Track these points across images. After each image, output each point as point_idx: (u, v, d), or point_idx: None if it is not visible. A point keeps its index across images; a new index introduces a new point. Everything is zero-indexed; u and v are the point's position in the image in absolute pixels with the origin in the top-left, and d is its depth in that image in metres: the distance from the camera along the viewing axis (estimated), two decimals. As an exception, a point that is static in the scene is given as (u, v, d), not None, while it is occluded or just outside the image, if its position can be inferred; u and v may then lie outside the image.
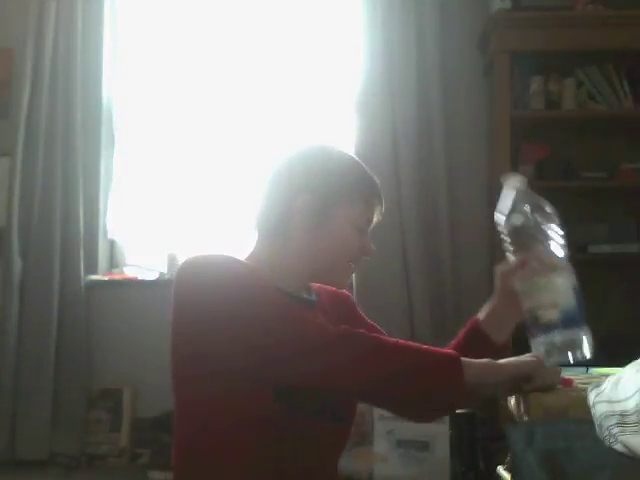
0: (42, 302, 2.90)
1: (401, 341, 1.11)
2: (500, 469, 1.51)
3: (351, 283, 2.88)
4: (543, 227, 1.23)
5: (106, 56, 3.06)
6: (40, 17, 2.99)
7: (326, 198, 1.18)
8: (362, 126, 2.89)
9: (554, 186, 2.77)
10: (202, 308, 1.08)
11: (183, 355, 1.13)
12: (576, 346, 1.12)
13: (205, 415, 1.12)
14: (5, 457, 2.82)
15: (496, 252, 2.77)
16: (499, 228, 1.25)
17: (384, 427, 2.52)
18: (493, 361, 1.13)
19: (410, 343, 1.13)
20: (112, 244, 3.18)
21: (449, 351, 1.13)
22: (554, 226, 1.24)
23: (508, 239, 1.25)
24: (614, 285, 2.61)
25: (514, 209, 1.23)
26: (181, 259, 3.04)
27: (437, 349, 1.13)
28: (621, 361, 1.08)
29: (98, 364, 2.97)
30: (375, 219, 1.25)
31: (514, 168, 2.78)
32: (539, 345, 1.19)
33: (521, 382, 1.12)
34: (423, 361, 1.08)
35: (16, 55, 3.07)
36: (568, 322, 1.16)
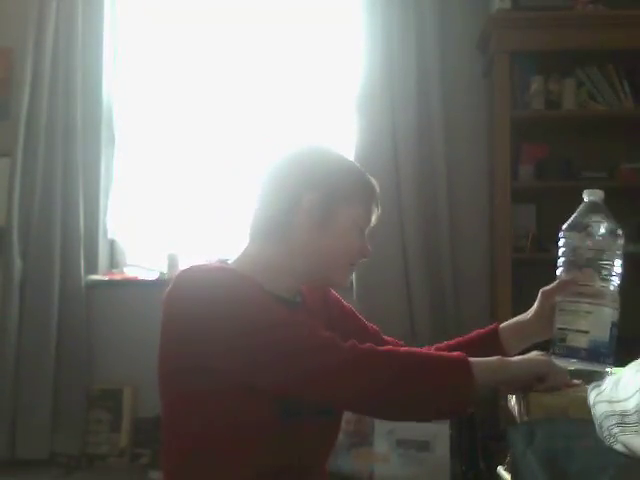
0: (42, 302, 2.90)
1: (400, 350, 1.12)
2: (500, 469, 1.50)
3: (351, 283, 2.88)
4: (602, 253, 1.19)
5: (106, 56, 3.06)
6: (40, 17, 2.99)
7: (332, 196, 1.17)
8: (362, 126, 2.89)
9: (554, 186, 2.77)
10: (194, 320, 1.07)
11: (174, 368, 1.13)
12: (592, 379, 1.07)
13: (198, 419, 1.11)
14: (5, 457, 2.83)
15: (496, 252, 2.77)
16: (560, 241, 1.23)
17: (384, 427, 2.52)
18: (503, 359, 1.13)
19: (414, 350, 1.14)
20: (112, 244, 3.18)
21: (456, 353, 1.11)
22: (615, 253, 1.19)
23: (563, 255, 1.22)
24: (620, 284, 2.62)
25: (575, 227, 1.20)
26: (181, 259, 3.04)
27: (444, 353, 1.16)
28: (621, 361, 1.08)
29: (98, 364, 2.97)
30: (373, 221, 1.25)
31: (514, 168, 2.79)
32: (557, 363, 1.18)
33: (533, 382, 1.10)
34: (428, 365, 1.09)
35: (16, 55, 3.07)
36: (594, 354, 1.15)
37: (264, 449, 1.11)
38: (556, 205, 2.75)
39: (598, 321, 1.17)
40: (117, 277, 3.08)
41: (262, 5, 3.14)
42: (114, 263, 3.18)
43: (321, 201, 1.17)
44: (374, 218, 1.25)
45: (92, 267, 3.02)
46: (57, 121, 2.98)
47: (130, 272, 3.09)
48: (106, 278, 3.05)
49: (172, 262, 2.95)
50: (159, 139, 3.18)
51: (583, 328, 1.16)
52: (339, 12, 3.02)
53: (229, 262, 1.22)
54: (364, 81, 2.90)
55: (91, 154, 3.03)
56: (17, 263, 2.93)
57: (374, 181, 1.24)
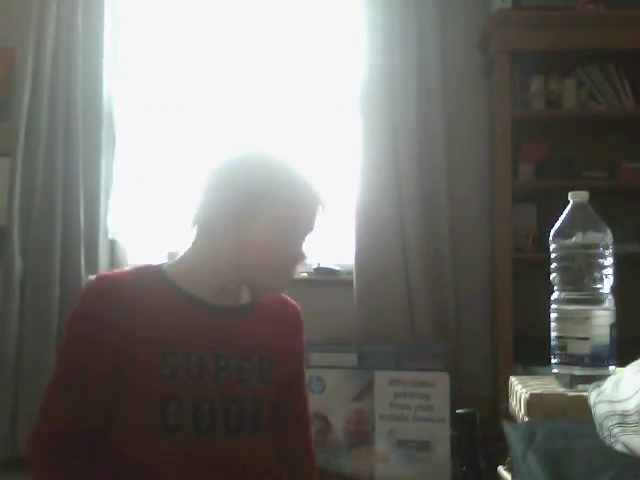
0: (42, 301, 2.91)
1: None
2: (501, 469, 1.51)
3: (351, 281, 2.89)
4: (592, 256, 1.18)
5: (107, 56, 3.06)
6: (41, 17, 2.99)
7: (251, 198, 1.13)
8: (363, 126, 2.89)
9: (554, 186, 2.77)
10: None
11: None
12: (595, 383, 1.08)
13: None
14: (6, 456, 2.83)
15: (496, 252, 2.77)
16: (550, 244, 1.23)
17: (385, 427, 2.52)
18: None
19: None
20: (113, 244, 3.18)
21: None
22: (605, 254, 1.19)
23: (554, 260, 1.22)
24: (615, 285, 2.62)
25: (562, 232, 1.20)
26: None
27: None
28: (621, 361, 1.08)
29: (99, 364, 2.97)
30: (312, 226, 1.18)
31: (514, 168, 2.79)
32: (560, 370, 1.18)
33: None
34: None
35: (17, 55, 3.07)
36: (597, 359, 1.15)
37: (166, 468, 1.09)
38: (556, 205, 2.72)
39: (596, 325, 1.17)
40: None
41: (263, 4, 3.14)
42: (114, 262, 3.18)
43: (241, 200, 1.13)
44: (313, 222, 1.18)
45: (92, 266, 3.02)
46: (57, 121, 2.98)
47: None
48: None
49: (172, 262, 2.94)
50: (159, 139, 3.18)
51: (583, 335, 1.16)
52: (340, 12, 3.02)
53: (169, 260, 1.22)
54: (365, 81, 2.90)
55: (91, 154, 3.03)
56: (17, 262, 2.93)
57: (315, 185, 1.17)
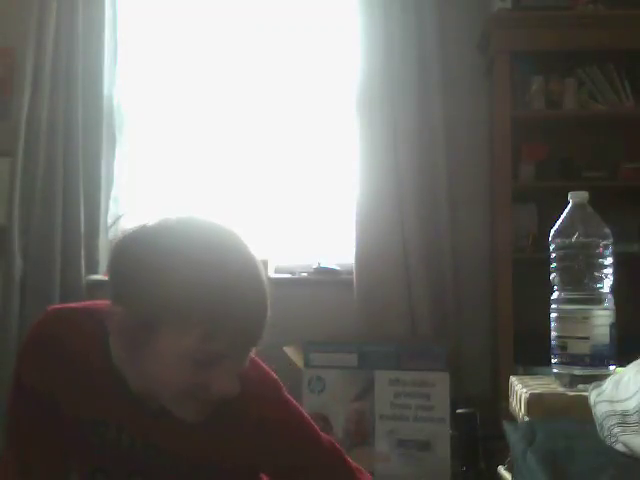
0: (43, 301, 2.90)
1: None
2: (501, 469, 1.51)
3: (351, 281, 2.89)
4: (592, 256, 1.18)
5: (107, 55, 3.06)
6: (41, 17, 2.99)
7: (145, 318, 0.86)
8: (363, 126, 2.89)
9: (554, 186, 2.77)
10: None
11: None
12: (596, 382, 1.08)
13: None
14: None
15: (496, 252, 2.77)
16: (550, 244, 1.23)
17: (385, 427, 2.52)
18: None
19: None
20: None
21: None
22: (604, 254, 1.19)
23: (554, 260, 1.22)
24: (614, 285, 2.62)
25: (562, 232, 1.20)
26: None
27: None
28: (622, 361, 1.08)
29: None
30: (232, 349, 0.88)
31: (514, 168, 2.79)
32: (560, 370, 1.18)
33: None
34: None
35: (17, 54, 3.07)
36: (597, 359, 1.15)
37: None
38: (557, 205, 2.72)
39: (596, 325, 1.17)
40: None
41: (263, 5, 3.14)
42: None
43: (130, 321, 0.87)
44: (231, 344, 0.87)
45: (93, 267, 3.02)
46: (58, 121, 2.98)
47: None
48: (107, 278, 3.04)
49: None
50: (160, 138, 3.18)
51: (583, 335, 1.16)
52: (340, 12, 3.02)
53: None
54: (364, 81, 2.90)
55: (92, 153, 3.03)
56: (18, 262, 2.93)
57: (234, 297, 0.86)
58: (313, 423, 1.08)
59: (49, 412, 1.02)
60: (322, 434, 1.08)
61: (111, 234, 3.06)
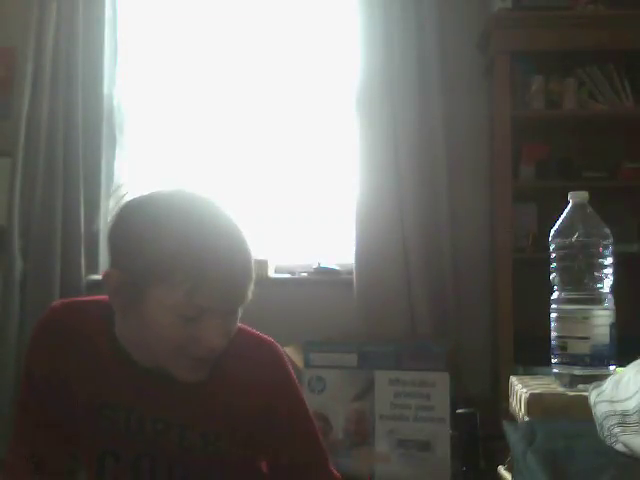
0: (43, 302, 2.90)
1: None
2: (501, 469, 1.51)
3: (351, 281, 2.89)
4: (592, 256, 1.18)
5: (107, 55, 3.06)
6: (41, 17, 2.99)
7: (135, 278, 0.93)
8: (363, 126, 2.89)
9: (555, 186, 2.77)
10: None
11: None
12: (596, 382, 1.07)
13: None
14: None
15: (497, 252, 2.77)
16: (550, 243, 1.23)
17: (385, 427, 2.52)
18: None
19: None
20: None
21: None
22: (604, 254, 1.20)
23: (554, 260, 1.22)
24: (614, 285, 2.63)
25: (562, 232, 1.20)
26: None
27: None
28: (622, 361, 1.08)
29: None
30: (216, 303, 0.94)
31: (515, 168, 2.79)
32: (560, 370, 1.18)
33: None
34: None
35: (17, 54, 3.07)
36: (597, 359, 1.15)
37: None
38: (557, 205, 2.73)
39: (596, 325, 1.17)
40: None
41: (263, 5, 3.14)
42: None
43: (123, 283, 0.95)
44: (217, 299, 0.94)
45: (93, 267, 3.02)
46: (58, 121, 2.98)
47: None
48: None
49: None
50: (160, 138, 3.18)
51: (583, 335, 1.16)
52: (340, 12, 3.02)
53: None
54: (364, 81, 2.90)
55: (92, 153, 3.03)
56: (18, 263, 2.93)
57: (216, 255, 0.93)
58: (315, 422, 1.15)
59: (59, 401, 1.06)
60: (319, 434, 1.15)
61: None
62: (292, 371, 1.12)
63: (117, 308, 1.00)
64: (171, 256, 0.91)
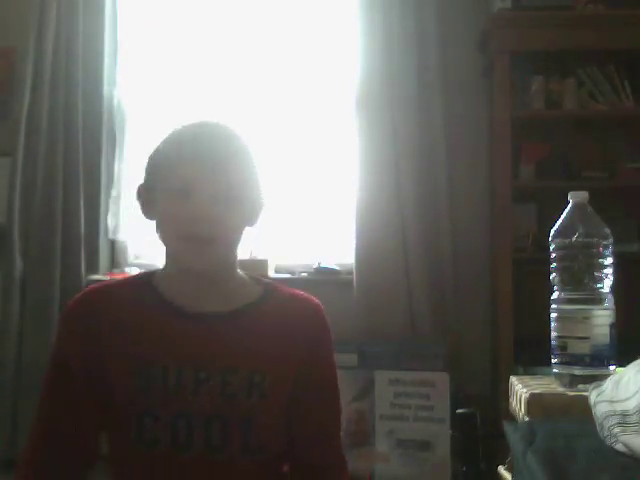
0: (43, 302, 2.90)
1: None
2: (501, 469, 1.51)
3: (351, 281, 2.89)
4: (592, 256, 1.18)
5: (107, 55, 3.06)
6: (41, 16, 2.99)
7: (148, 182, 1.12)
8: (362, 126, 2.89)
9: (554, 186, 2.77)
10: None
11: None
12: (596, 382, 1.07)
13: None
14: (6, 457, 2.82)
15: (496, 252, 2.77)
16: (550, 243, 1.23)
17: (385, 427, 2.53)
18: None
19: None
20: (113, 244, 3.18)
21: None
22: (604, 254, 1.20)
23: (554, 260, 1.22)
24: (614, 285, 2.62)
25: (562, 232, 1.20)
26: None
27: None
28: (622, 361, 1.08)
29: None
30: (198, 172, 1.06)
31: (514, 168, 2.79)
32: (560, 370, 1.18)
33: None
34: None
35: (17, 54, 3.07)
36: (597, 359, 1.15)
37: None
38: (557, 205, 2.72)
39: (597, 325, 1.17)
40: (118, 277, 3.07)
41: (263, 5, 3.14)
42: (115, 263, 3.18)
43: (145, 189, 1.12)
44: (195, 171, 1.06)
45: (93, 267, 3.02)
46: (58, 120, 2.98)
47: (131, 272, 3.09)
48: (107, 278, 3.05)
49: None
50: (160, 138, 3.18)
51: (583, 335, 1.16)
52: (340, 12, 3.02)
53: None
54: (364, 81, 2.90)
55: (92, 153, 3.03)
56: (18, 262, 2.93)
57: (189, 132, 1.12)
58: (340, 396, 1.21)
59: (96, 385, 1.06)
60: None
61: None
62: (331, 335, 1.21)
63: (147, 216, 1.11)
64: (164, 154, 1.10)
